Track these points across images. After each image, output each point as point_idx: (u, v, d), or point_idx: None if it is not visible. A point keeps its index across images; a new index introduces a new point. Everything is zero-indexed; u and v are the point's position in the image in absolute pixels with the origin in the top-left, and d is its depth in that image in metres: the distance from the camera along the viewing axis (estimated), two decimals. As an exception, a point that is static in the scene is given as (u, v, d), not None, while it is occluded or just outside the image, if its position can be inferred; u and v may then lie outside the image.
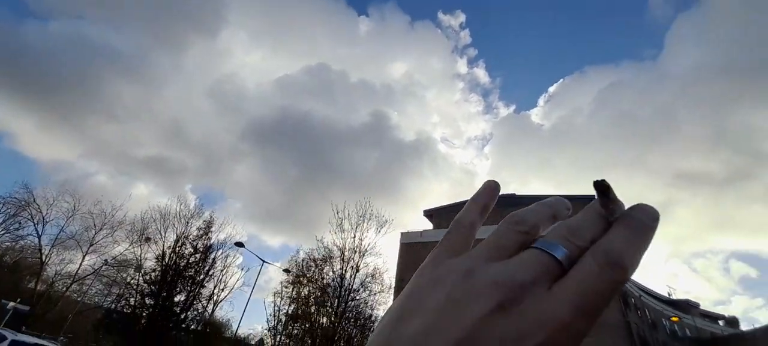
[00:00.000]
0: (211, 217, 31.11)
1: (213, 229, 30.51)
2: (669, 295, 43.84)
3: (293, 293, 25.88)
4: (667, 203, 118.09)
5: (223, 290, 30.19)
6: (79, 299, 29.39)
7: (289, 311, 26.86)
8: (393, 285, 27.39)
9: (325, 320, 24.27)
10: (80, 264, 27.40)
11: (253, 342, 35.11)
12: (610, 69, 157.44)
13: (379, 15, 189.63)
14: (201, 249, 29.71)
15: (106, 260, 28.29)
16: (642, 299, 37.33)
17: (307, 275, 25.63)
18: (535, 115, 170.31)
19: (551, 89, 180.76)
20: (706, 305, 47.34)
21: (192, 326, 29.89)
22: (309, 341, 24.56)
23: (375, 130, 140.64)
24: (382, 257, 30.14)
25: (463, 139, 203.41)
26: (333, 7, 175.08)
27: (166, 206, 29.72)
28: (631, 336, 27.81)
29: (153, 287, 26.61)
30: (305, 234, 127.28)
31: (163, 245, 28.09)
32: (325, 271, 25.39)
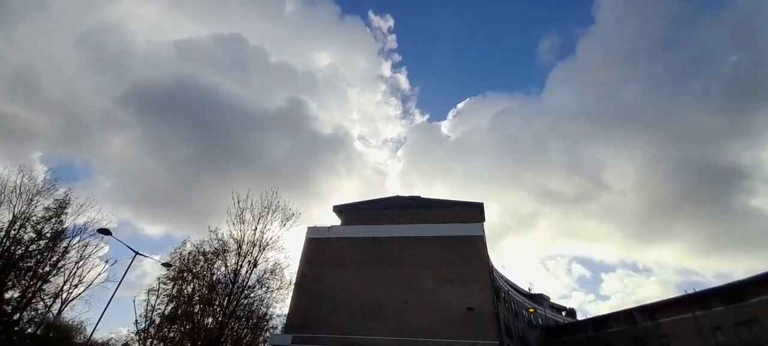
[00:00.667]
0: (67, 195, 25.30)
1: (68, 211, 24.86)
2: (529, 289, 52.68)
3: (173, 290, 22.65)
4: (534, 214, 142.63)
5: (76, 286, 24.76)
6: None
7: (166, 312, 23.45)
8: (293, 281, 26.39)
9: (210, 319, 21.89)
10: None
11: (115, 348, 29.66)
12: (506, 97, 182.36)
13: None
14: (48, 235, 23.90)
15: None
16: (510, 293, 44.06)
17: (193, 270, 22.73)
18: (445, 126, 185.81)
19: (459, 106, 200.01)
20: (553, 299, 58.24)
21: (29, 330, 24.01)
22: (189, 344, 21.83)
23: (291, 118, 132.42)
24: (285, 252, 28.80)
25: (380, 140, 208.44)
26: None
27: (1, 177, 23.14)
28: (499, 325, 32.53)
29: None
30: (196, 224, 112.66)
31: (-7, 225, 21.76)
32: (216, 266, 22.90)
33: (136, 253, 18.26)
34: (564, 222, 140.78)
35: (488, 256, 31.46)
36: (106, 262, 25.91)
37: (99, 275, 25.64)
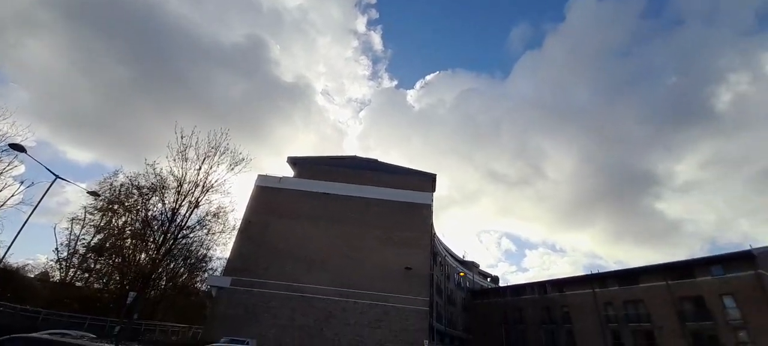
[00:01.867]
0: (-34, 99, 21.24)
1: (-31, 118, 20.97)
2: (463, 256, 57.35)
3: (101, 221, 20.83)
4: (478, 192, 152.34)
5: (-19, 203, 21.62)
6: None
7: (92, 243, 21.65)
8: (237, 226, 25.72)
9: (143, 256, 20.74)
10: None
11: (31, 274, 27.09)
12: (473, 76, 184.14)
13: None
14: (-59, 142, 20.16)
15: None
16: (446, 258, 47.67)
17: (126, 203, 20.98)
18: (411, 96, 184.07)
19: (428, 77, 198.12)
20: (483, 267, 64.16)
21: None
22: (117, 278, 20.65)
23: (249, 58, 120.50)
24: (231, 197, 27.68)
25: (344, 98, 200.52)
26: None
27: None
28: (432, 284, 35.40)
29: None
30: (129, 154, 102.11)
31: None
32: (152, 202, 21.29)
33: (57, 176, 16.26)
34: (503, 202, 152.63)
35: (432, 224, 33.28)
36: (22, 183, 22.78)
37: (12, 195, 22.58)
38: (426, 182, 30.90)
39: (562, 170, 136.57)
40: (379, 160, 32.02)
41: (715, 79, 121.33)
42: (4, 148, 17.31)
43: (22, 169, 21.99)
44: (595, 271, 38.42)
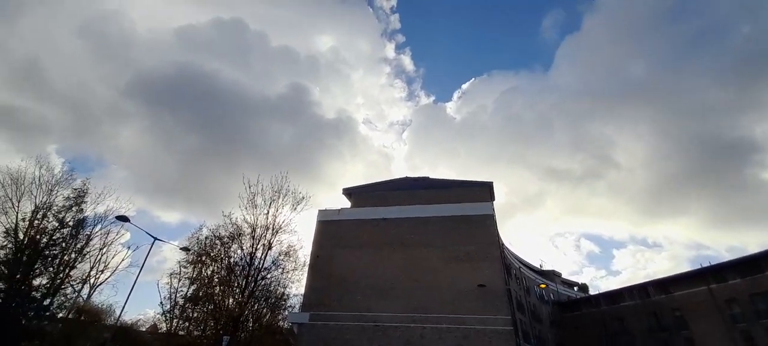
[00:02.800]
0: (84, 186, 26.11)
1: (87, 200, 25.73)
2: (540, 266, 52.90)
3: (194, 273, 23.58)
4: (540, 193, 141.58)
5: (102, 271, 25.93)
6: None
7: (188, 293, 24.46)
8: (307, 262, 27.07)
9: (231, 300, 22.78)
10: None
11: (142, 329, 31.17)
12: (512, 76, 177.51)
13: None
14: (70, 223, 24.87)
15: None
16: (521, 270, 44.36)
17: (211, 254, 23.54)
18: (450, 108, 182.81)
19: (464, 86, 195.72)
20: (565, 275, 58.40)
21: (60, 314, 25.29)
22: (212, 324, 22.85)
23: (293, 104, 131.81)
24: (297, 235, 29.45)
25: (386, 123, 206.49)
26: None
27: (20, 169, 23.96)
28: (511, 301, 32.95)
29: (3, 268, 21.48)
30: (208, 210, 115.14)
31: (16, 216, 22.74)
32: (232, 249, 23.64)
33: (155, 238, 18.93)
34: (571, 200, 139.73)
35: (498, 234, 31.59)
36: (128, 248, 27.11)
37: (122, 260, 26.77)
38: (483, 191, 29.75)
39: (635, 156, 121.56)
40: (430, 177, 31.82)
41: None
42: (112, 221, 20.77)
43: (127, 236, 25.98)
44: (703, 262, 32.69)
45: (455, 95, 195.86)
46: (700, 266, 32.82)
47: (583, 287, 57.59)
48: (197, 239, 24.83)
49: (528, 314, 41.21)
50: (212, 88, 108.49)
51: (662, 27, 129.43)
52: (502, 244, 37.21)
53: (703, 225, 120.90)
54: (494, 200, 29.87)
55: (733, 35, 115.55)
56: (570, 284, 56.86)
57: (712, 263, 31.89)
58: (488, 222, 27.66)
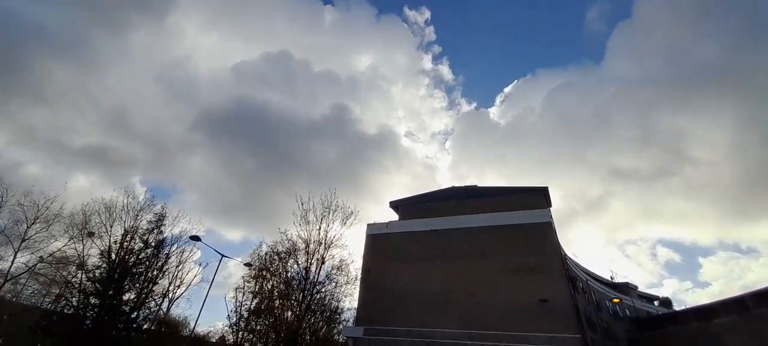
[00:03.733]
0: (163, 210, 29.32)
1: (165, 223, 28.83)
2: (611, 278, 47.89)
3: (256, 287, 25.15)
4: (604, 196, 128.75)
5: (179, 286, 28.70)
6: (13, 298, 26.66)
7: (252, 307, 26.07)
8: (359, 276, 27.42)
9: (289, 313, 23.82)
10: (12, 262, 24.76)
11: (213, 340, 33.71)
12: (559, 72, 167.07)
13: (344, 5, 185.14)
14: (152, 244, 27.95)
15: (41, 257, 25.77)
16: (588, 283, 40.49)
17: (271, 269, 24.95)
18: (493, 113, 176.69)
19: (507, 89, 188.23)
20: (641, 288, 52.25)
21: (145, 326, 28.23)
22: (273, 336, 24.00)
23: (336, 123, 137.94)
24: (348, 249, 30.10)
25: (427, 134, 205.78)
26: None
27: (112, 199, 27.63)
28: (579, 317, 30.16)
29: (98, 286, 24.65)
30: (266, 227, 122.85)
31: (109, 239, 26.13)
32: (289, 264, 24.86)
33: (222, 255, 20.63)
34: (641, 202, 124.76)
35: (559, 243, 29.41)
36: (200, 265, 29.74)
37: (195, 276, 29.46)
38: (537, 197, 28.03)
39: (716, 147, 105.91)
40: (477, 186, 30.79)
41: None
42: (186, 240, 22.99)
43: (198, 253, 28.67)
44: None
45: (498, 100, 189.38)
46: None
47: (665, 302, 50.92)
48: (258, 255, 26.63)
49: (600, 332, 37.20)
50: (264, 115, 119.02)
51: (730, 4, 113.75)
52: (565, 254, 34.45)
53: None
54: (551, 206, 27.99)
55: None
56: (649, 299, 50.64)
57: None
58: (546, 230, 25.89)
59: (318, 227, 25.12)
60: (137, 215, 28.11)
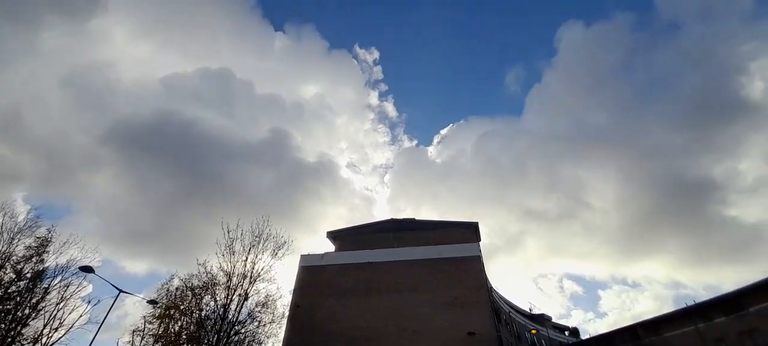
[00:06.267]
0: (49, 234, 24.30)
1: (49, 249, 23.83)
2: (530, 310, 51.56)
3: (159, 329, 21.52)
4: (520, 233, 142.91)
5: (56, 329, 23.36)
6: None
7: (153, 352, 22.17)
8: (286, 313, 25.35)
9: (200, 358, 20.71)
10: None
11: (97, 394, 27.74)
12: (488, 120, 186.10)
13: (296, 34, 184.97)
14: (28, 275, 22.78)
15: None
16: (511, 314, 43.02)
17: (181, 307, 21.72)
18: (430, 151, 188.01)
19: (443, 131, 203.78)
20: (554, 319, 57.11)
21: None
22: (177, 386, 20.54)
23: (275, 148, 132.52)
24: (276, 283, 27.75)
25: (369, 166, 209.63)
26: (247, 17, 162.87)
27: (-21, 217, 22.24)
28: (502, 349, 31.53)
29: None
30: (181, 258, 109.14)
31: (-33, 269, 20.71)
32: (204, 301, 21.90)
33: (120, 291, 17.46)
34: (550, 240, 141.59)
35: (486, 276, 30.96)
36: (89, 302, 24.64)
37: (80, 316, 24.30)
38: (469, 232, 29.54)
39: (606, 197, 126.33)
40: (416, 219, 31.49)
41: (738, 70, 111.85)
42: (74, 272, 19.20)
43: (89, 288, 23.97)
44: (683, 301, 32.77)
45: (435, 140, 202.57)
46: (685, 305, 32.76)
47: (574, 332, 56.15)
48: (167, 290, 23.00)
49: (520, 362, 39.32)
50: (193, 134, 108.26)
51: (614, 81, 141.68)
52: (491, 287, 36.33)
53: (680, 263, 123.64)
54: (480, 240, 29.59)
55: (683, 86, 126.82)
56: (561, 329, 55.37)
57: (691, 302, 31.95)
58: (476, 263, 27.15)
59: (244, 258, 22.82)
60: (13, 239, 22.89)
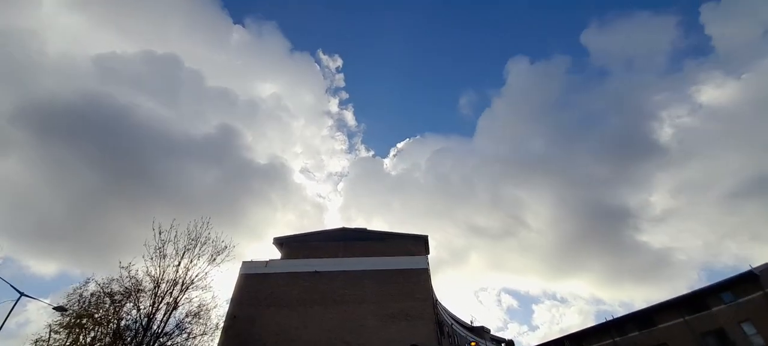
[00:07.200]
0: (-74, 224, 20.04)
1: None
2: (471, 322, 53.42)
3: (67, 340, 18.53)
4: (466, 247, 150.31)
5: (-73, 341, 19.06)
6: None
7: (55, 368, 18.94)
8: (221, 325, 23.38)
9: (114, 375, 18.14)
10: None
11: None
12: (442, 138, 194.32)
13: (256, 30, 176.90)
14: None
15: None
16: (453, 326, 44.20)
17: (95, 315, 18.97)
18: (386, 163, 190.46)
19: (400, 145, 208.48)
20: (493, 331, 59.74)
21: None
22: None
23: (221, 145, 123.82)
24: (213, 291, 25.61)
25: (324, 173, 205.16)
26: (204, 4, 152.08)
27: None
28: (443, 361, 32.06)
29: None
30: (99, 260, 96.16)
31: None
32: (125, 309, 19.35)
33: (22, 294, 14.83)
34: (491, 255, 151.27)
35: (433, 289, 31.49)
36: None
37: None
38: (419, 245, 29.95)
39: (541, 218, 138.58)
40: (367, 229, 31.25)
41: (651, 117, 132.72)
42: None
43: (-19, 293, 20.06)
44: (602, 316, 36.39)
45: (391, 152, 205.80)
46: (605, 320, 36.22)
47: (510, 344, 59.10)
48: (80, 295, 19.94)
49: (459, 375, 40.30)
50: (126, 121, 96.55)
51: (552, 114, 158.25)
52: (436, 299, 37.02)
53: (600, 281, 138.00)
54: (429, 253, 30.12)
55: (607, 125, 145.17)
56: (498, 341, 58.00)
57: (610, 317, 35.50)
58: (423, 277, 27.47)
59: (177, 263, 20.66)
60: None
